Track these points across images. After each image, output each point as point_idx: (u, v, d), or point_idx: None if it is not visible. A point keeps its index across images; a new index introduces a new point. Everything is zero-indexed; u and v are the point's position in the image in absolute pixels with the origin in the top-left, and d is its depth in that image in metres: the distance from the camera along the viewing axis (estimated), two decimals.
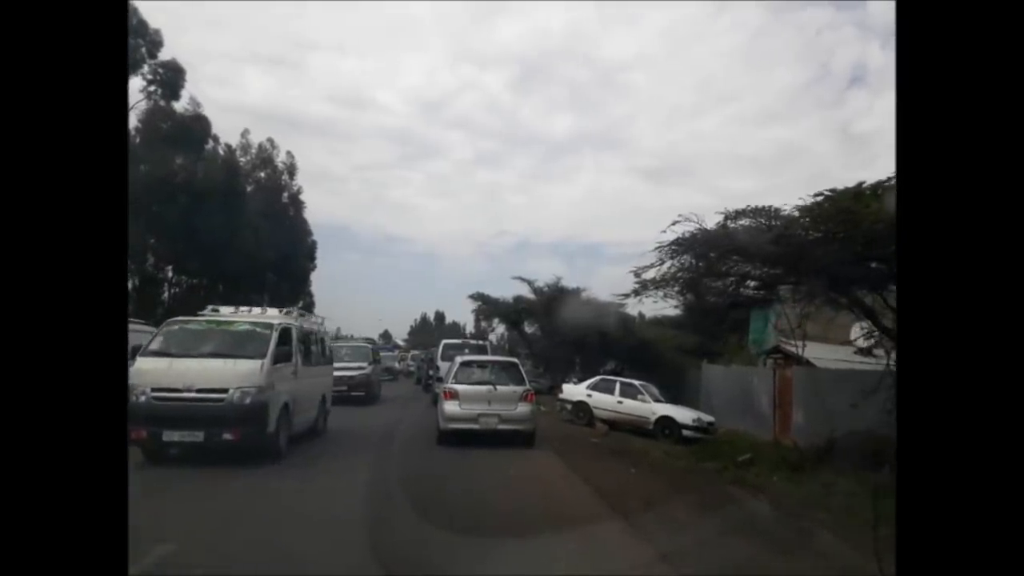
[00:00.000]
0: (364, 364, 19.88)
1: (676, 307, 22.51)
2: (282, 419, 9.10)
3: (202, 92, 76.18)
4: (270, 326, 9.48)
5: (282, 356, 9.31)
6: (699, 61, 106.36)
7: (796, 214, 8.98)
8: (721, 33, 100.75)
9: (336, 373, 17.27)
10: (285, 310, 11.42)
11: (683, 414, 16.28)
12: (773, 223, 9.51)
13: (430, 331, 79.75)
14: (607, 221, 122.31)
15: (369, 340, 24.15)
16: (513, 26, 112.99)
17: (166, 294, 34.77)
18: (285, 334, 9.67)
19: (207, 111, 31.60)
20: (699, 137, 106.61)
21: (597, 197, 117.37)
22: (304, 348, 10.61)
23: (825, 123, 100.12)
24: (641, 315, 27.56)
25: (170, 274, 34.71)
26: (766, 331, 23.12)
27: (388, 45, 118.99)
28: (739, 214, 9.59)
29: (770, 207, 9.43)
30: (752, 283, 12.27)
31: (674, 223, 9.67)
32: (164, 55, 27.63)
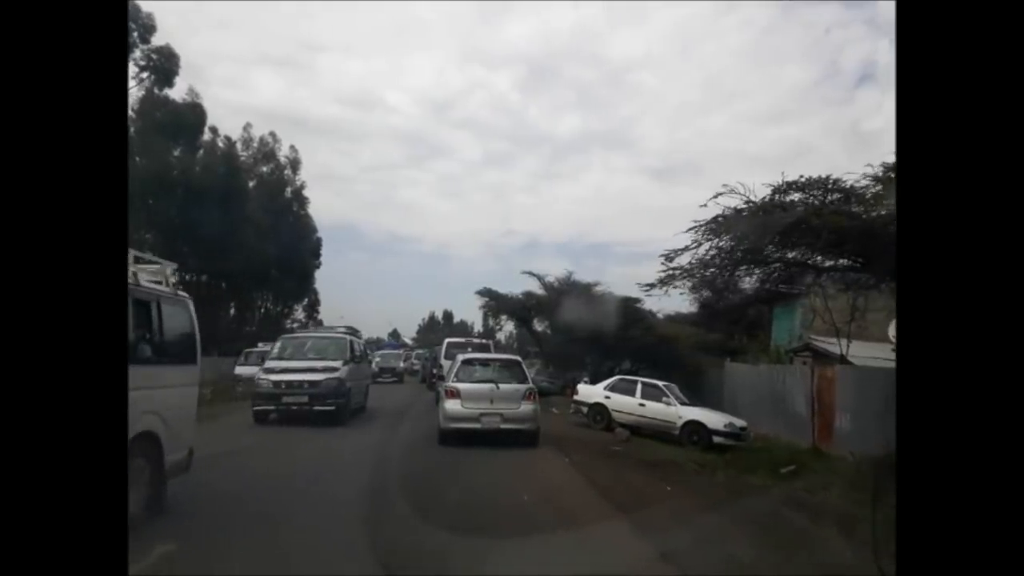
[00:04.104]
0: (336, 364, 13.71)
1: (697, 299, 21.22)
2: None
3: (212, 94, 75.79)
4: None
5: None
6: (707, 59, 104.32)
7: (865, 182, 7.64)
8: (729, 31, 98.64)
9: (288, 377, 13.00)
10: None
11: (713, 418, 14.85)
12: (830, 197, 8.19)
13: (438, 330, 78.85)
14: (615, 221, 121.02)
15: (351, 330, 17.51)
16: (520, 26, 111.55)
17: None
18: None
19: (215, 112, 30.68)
20: (707, 136, 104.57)
21: (605, 196, 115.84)
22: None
23: (834, 121, 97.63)
24: (652, 313, 26.16)
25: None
26: (794, 327, 21.74)
27: (396, 46, 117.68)
28: (790, 187, 8.29)
29: (827, 177, 8.16)
30: (795, 270, 10.96)
31: (717, 195, 8.36)
32: (163, 45, 26.39)
